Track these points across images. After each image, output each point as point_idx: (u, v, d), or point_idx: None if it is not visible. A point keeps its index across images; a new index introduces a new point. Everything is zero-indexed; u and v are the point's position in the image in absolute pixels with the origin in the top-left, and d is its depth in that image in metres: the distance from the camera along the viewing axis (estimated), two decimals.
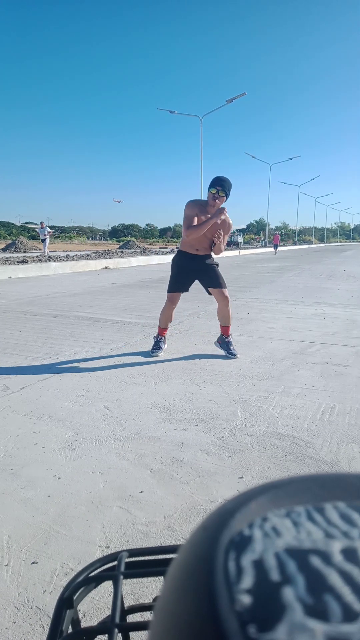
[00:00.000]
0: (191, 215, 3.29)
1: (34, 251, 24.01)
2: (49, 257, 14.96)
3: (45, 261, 13.13)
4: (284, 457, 1.95)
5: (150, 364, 3.40)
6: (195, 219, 3.29)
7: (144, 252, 23.50)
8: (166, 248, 32.86)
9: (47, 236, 21.22)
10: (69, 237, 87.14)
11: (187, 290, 3.64)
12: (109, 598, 1.17)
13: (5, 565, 1.31)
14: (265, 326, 4.80)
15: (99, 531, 1.46)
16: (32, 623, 1.13)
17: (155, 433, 2.20)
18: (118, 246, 37.86)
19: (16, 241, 28.17)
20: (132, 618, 0.28)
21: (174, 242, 66.97)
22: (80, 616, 0.31)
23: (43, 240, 21.19)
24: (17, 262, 12.38)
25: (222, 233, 3.35)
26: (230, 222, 3.42)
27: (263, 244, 46.55)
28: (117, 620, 0.23)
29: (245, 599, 0.13)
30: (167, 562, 0.26)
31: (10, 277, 10.50)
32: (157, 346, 3.64)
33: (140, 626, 0.24)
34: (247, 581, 0.13)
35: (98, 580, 0.26)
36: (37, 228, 24.29)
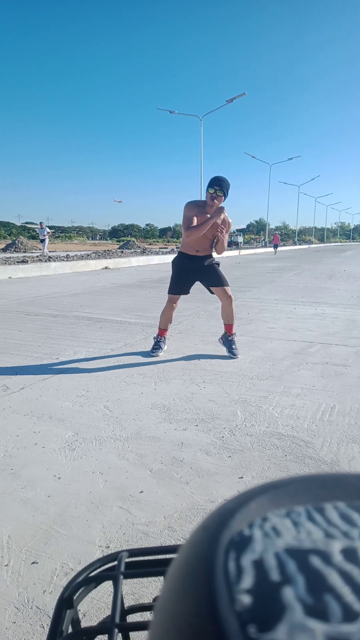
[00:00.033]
0: (190, 216, 3.29)
1: (34, 251, 24.02)
2: (49, 257, 14.96)
3: (45, 261, 13.13)
4: (284, 457, 1.95)
5: (150, 364, 3.40)
6: (195, 220, 3.29)
7: (144, 252, 23.50)
8: (166, 248, 32.87)
9: (47, 236, 21.27)
10: (69, 237, 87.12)
11: (187, 292, 3.64)
12: (109, 598, 1.17)
13: (5, 565, 1.31)
14: (265, 326, 4.80)
15: (99, 531, 1.46)
16: (32, 623, 1.13)
17: (155, 433, 2.20)
18: (118, 246, 37.87)
19: (16, 241, 28.18)
20: (132, 618, 0.28)
21: (174, 242, 66.98)
22: (80, 616, 0.31)
23: (42, 241, 21.24)
24: (17, 262, 12.39)
25: (224, 227, 3.35)
26: (230, 220, 3.42)
27: (263, 244, 46.55)
28: (117, 620, 0.23)
29: (245, 599, 0.13)
30: (167, 562, 0.26)
31: (10, 277, 10.50)
32: (157, 346, 3.64)
33: (140, 626, 0.24)
34: (247, 581, 0.13)
35: (98, 580, 0.26)
36: (36, 228, 24.28)
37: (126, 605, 0.27)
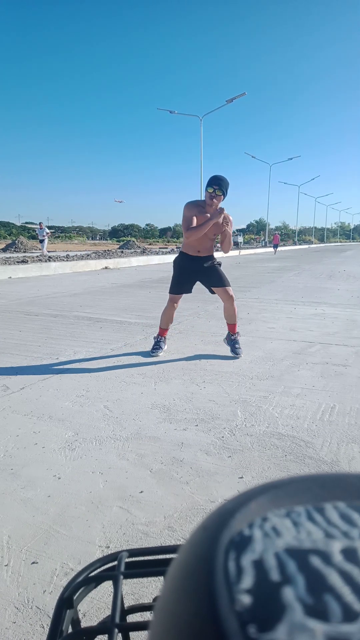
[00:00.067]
0: (190, 216, 3.29)
1: (34, 251, 24.02)
2: (49, 257, 14.96)
3: (45, 261, 13.13)
4: (284, 457, 1.95)
5: (150, 364, 3.40)
6: (195, 220, 3.28)
7: (144, 252, 23.50)
8: (166, 248, 32.86)
9: (46, 237, 21.27)
10: (69, 237, 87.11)
11: (189, 292, 3.63)
12: (109, 598, 1.17)
13: (5, 565, 1.31)
14: (265, 326, 4.80)
15: (99, 531, 1.46)
16: (32, 623, 1.13)
17: (155, 433, 2.20)
18: (118, 246, 37.86)
19: (16, 241, 28.16)
20: (132, 618, 0.28)
21: (174, 242, 66.96)
22: (80, 616, 0.31)
23: (41, 241, 21.23)
24: (17, 262, 12.38)
25: (227, 223, 3.32)
26: (231, 218, 3.40)
27: (263, 244, 46.54)
28: (117, 620, 0.23)
29: (245, 599, 0.13)
30: (167, 562, 0.26)
31: (10, 277, 10.50)
32: (157, 346, 3.64)
33: (140, 626, 0.24)
34: (247, 581, 0.13)
35: (98, 580, 0.26)
36: (36, 228, 24.29)
37: (126, 605, 0.27)
